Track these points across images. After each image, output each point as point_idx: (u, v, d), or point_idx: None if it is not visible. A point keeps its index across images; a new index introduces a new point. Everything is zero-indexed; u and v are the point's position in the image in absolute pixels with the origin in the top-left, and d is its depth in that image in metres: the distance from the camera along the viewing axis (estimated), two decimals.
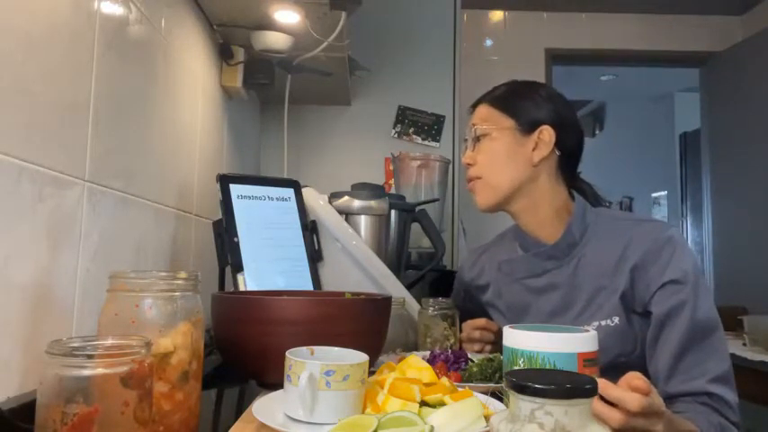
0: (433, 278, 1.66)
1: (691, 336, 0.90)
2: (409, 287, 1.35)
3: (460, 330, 1.15)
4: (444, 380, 0.70)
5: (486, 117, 1.07)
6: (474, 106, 1.12)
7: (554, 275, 1.04)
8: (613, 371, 0.75)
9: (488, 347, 1.13)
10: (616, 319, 0.97)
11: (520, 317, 1.09)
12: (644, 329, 0.96)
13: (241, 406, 0.84)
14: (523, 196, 1.05)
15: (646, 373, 0.93)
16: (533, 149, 1.03)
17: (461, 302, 1.24)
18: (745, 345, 2.24)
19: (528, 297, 1.08)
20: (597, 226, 1.04)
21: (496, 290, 1.16)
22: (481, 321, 1.14)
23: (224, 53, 1.59)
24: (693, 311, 0.90)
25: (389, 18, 2.36)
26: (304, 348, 0.69)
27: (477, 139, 1.07)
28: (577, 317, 1.01)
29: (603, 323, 0.98)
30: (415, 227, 1.53)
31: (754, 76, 3.26)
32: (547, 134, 1.03)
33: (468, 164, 1.08)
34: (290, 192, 1.30)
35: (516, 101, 1.06)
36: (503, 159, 1.04)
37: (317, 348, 0.70)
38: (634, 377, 0.66)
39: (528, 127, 1.04)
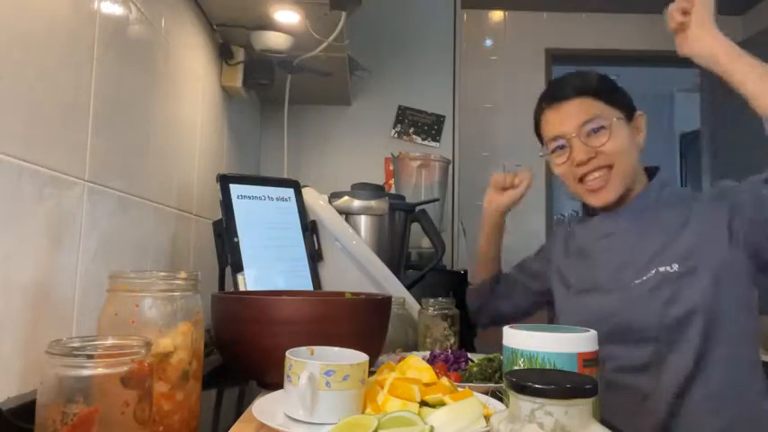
0: (433, 278, 1.66)
1: None
2: (409, 287, 1.35)
3: (460, 331, 1.15)
4: (444, 380, 0.70)
5: (600, 110, 1.09)
6: (560, 99, 1.11)
7: (620, 227, 1.10)
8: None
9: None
10: (676, 266, 1.00)
11: (588, 269, 1.13)
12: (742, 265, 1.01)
13: (241, 406, 0.84)
14: (631, 182, 1.11)
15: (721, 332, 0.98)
16: (638, 135, 1.11)
17: (531, 262, 1.31)
18: None
19: (595, 244, 1.13)
20: (664, 196, 1.10)
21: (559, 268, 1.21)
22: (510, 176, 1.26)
23: (224, 53, 1.59)
24: None
25: (389, 18, 2.36)
26: (304, 348, 0.69)
27: (593, 131, 1.07)
28: (649, 262, 1.04)
29: (671, 269, 1.01)
30: (415, 227, 1.53)
31: None
32: (641, 120, 1.13)
33: (590, 157, 1.07)
34: (290, 192, 1.30)
35: (614, 91, 1.12)
36: (628, 147, 1.09)
37: (316, 348, 0.70)
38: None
39: (629, 115, 1.11)
